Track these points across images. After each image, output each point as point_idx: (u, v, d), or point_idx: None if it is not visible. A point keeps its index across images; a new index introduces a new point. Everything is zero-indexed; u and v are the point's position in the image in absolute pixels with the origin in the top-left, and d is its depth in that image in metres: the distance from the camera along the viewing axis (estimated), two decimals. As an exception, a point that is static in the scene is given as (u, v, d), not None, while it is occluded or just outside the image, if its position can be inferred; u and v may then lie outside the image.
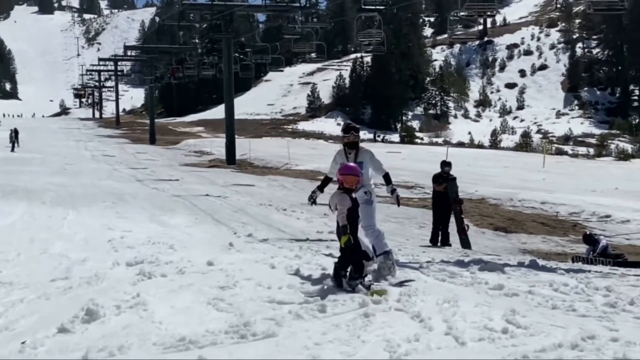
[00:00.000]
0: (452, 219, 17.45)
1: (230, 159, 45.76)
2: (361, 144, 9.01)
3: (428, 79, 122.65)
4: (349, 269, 7.57)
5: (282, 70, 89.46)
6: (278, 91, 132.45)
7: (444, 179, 17.58)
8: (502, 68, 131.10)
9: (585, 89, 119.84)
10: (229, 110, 48.11)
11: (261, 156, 52.29)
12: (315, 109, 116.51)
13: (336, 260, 7.84)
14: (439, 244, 17.03)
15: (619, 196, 30.03)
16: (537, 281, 8.80)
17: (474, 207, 27.14)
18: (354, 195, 7.81)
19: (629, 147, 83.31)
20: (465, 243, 16.90)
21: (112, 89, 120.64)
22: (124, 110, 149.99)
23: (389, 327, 5.85)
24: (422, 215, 23.41)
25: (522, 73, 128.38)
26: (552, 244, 20.11)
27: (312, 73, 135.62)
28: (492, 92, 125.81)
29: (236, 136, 49.27)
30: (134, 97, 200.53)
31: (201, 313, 6.57)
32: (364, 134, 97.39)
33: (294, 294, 7.30)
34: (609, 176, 42.15)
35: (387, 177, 9.01)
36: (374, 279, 8.04)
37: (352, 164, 8.21)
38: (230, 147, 46.46)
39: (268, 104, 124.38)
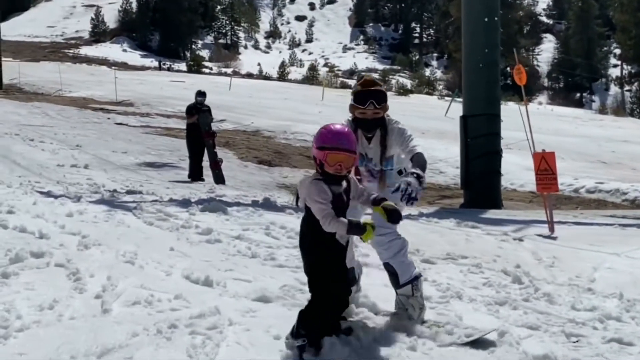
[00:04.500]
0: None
1: (-4, 83, 42.42)
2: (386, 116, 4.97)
3: (218, 7, 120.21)
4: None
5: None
6: (59, 13, 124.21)
7: (198, 110, 16.58)
8: (292, 0, 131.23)
9: (371, 24, 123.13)
10: (-6, 30, 44.24)
11: (33, 81, 48.78)
12: (99, 34, 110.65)
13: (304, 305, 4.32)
14: (203, 177, 16.23)
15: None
16: (256, 223, 8.11)
17: (245, 139, 26.54)
18: (344, 185, 4.28)
19: (408, 83, 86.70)
20: (219, 177, 16.10)
21: None
22: None
23: (29, 290, 4.81)
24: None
25: (312, 6, 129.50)
26: (313, 178, 19.87)
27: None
28: (282, 24, 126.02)
29: (10, 59, 45.51)
30: None
31: None
32: (150, 62, 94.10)
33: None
34: (383, 110, 43.23)
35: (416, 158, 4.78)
36: (392, 324, 4.67)
37: (339, 126, 4.28)
38: (-5, 71, 42.96)
39: (48, 26, 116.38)
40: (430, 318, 4.77)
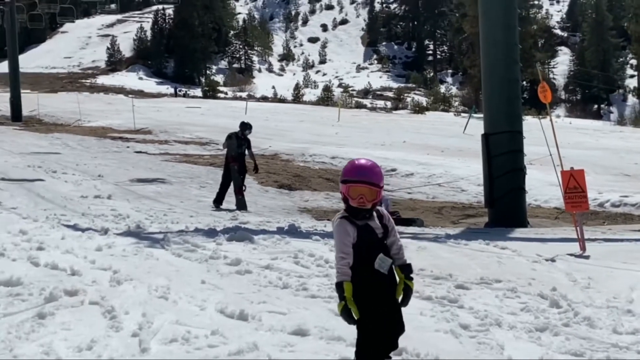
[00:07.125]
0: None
1: (16, 116, 42.89)
2: None
3: (232, 32, 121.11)
4: None
5: (73, 21, 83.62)
6: (76, 43, 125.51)
7: (237, 139, 16.63)
8: (305, 22, 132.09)
9: (384, 43, 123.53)
10: (13, 64, 44.76)
11: (52, 112, 49.19)
12: (115, 63, 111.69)
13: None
14: (220, 205, 16.24)
15: (406, 149, 30.61)
16: (284, 252, 8.05)
17: (264, 163, 26.54)
18: (375, 220, 4.09)
19: (423, 100, 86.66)
20: (241, 203, 16.11)
21: None
22: None
23: (66, 330, 4.77)
24: (206, 174, 22.35)
25: (324, 27, 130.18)
26: (334, 201, 19.77)
27: (111, 25, 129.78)
28: (295, 47, 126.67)
29: (29, 91, 45.96)
30: None
31: None
32: (166, 89, 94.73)
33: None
34: (400, 129, 43.21)
35: None
36: None
37: (363, 160, 4.12)
38: (15, 103, 43.43)
39: (65, 57, 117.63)
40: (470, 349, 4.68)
